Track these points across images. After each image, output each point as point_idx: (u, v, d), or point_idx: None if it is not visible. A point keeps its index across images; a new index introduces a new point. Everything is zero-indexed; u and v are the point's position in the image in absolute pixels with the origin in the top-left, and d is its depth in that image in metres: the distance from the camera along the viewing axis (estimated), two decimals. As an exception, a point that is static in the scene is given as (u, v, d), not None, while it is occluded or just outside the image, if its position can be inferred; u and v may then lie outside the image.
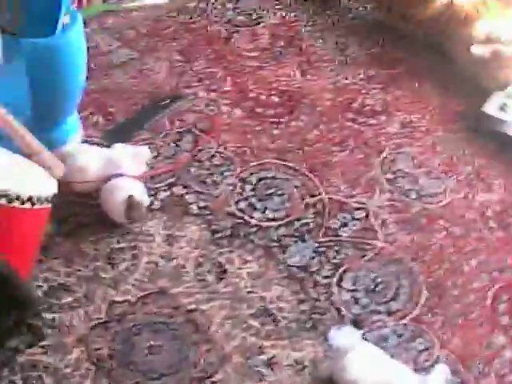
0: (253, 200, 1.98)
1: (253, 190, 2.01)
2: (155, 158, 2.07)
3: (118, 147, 1.94)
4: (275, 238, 1.89)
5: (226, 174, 2.04)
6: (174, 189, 2.00)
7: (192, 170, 2.05)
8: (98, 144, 2.05)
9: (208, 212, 1.94)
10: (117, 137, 2.10)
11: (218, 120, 2.20)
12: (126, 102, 2.24)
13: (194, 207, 1.95)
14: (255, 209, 1.96)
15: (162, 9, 2.58)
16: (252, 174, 2.05)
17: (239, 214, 1.94)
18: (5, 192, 1.45)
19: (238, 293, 1.76)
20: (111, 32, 2.48)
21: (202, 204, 1.96)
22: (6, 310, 1.55)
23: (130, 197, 1.84)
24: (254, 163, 2.08)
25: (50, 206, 1.58)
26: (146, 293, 1.75)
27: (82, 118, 2.13)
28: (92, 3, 2.46)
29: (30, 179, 1.59)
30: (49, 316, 1.67)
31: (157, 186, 2.00)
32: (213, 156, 2.10)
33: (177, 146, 2.12)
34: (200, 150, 2.11)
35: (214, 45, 2.46)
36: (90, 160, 1.90)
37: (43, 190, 1.57)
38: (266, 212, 1.95)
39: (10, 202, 1.46)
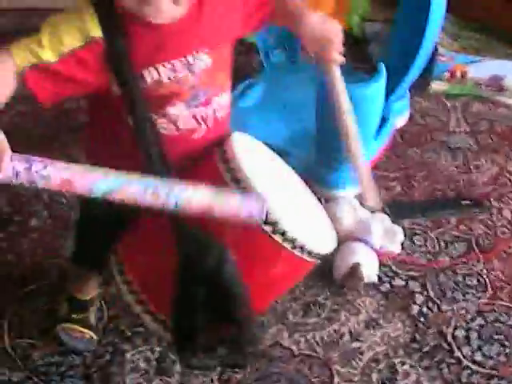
0: (473, 335, 1.85)
1: (481, 326, 1.88)
2: (419, 247, 2.06)
3: (379, 216, 1.97)
4: (463, 380, 1.76)
5: (468, 296, 1.94)
6: (411, 283, 1.96)
7: (442, 276, 1.99)
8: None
9: (423, 320, 1.88)
10: (399, 211, 2.12)
11: (499, 243, 2.09)
12: (432, 186, 2.24)
13: (415, 308, 1.90)
14: (469, 343, 1.83)
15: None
16: (493, 311, 1.92)
17: (450, 339, 1.84)
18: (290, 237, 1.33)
19: None
20: (469, 117, 2.47)
21: (424, 310, 1.90)
22: (227, 319, 1.39)
23: (357, 265, 1.87)
24: (504, 303, 1.94)
25: (317, 261, 1.45)
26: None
27: (382, 177, 2.19)
28: (464, 82, 2.47)
29: (313, 228, 1.49)
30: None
31: (398, 271, 1.99)
32: (470, 274, 2.00)
33: (446, 246, 2.07)
34: (463, 263, 2.03)
35: None
36: (348, 214, 1.96)
37: (319, 244, 1.43)
38: (477, 354, 1.81)
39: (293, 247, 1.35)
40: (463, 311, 1.91)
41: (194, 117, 1.37)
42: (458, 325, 1.88)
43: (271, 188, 1.34)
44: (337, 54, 1.44)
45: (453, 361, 1.80)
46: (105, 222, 1.43)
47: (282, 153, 1.60)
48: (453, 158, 2.35)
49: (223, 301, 1.32)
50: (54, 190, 1.13)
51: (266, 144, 1.52)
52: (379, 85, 1.91)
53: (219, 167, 1.32)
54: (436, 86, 2.49)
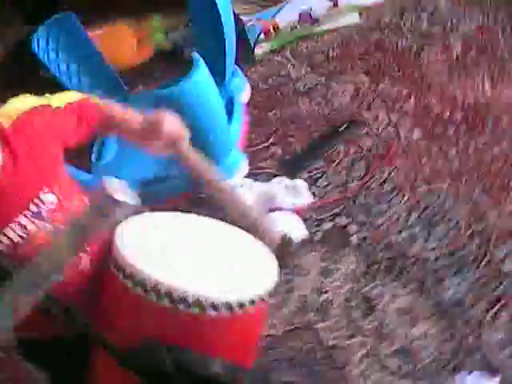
0: (416, 229, 1.90)
1: (418, 217, 1.92)
2: (325, 187, 2.08)
3: (274, 181, 1.98)
4: (431, 270, 1.80)
5: (392, 202, 1.98)
6: (338, 219, 1.98)
7: (360, 198, 2.02)
8: (275, 175, 2.10)
9: (368, 243, 1.90)
10: (292, 168, 2.14)
11: (394, 144, 2.14)
12: (307, 131, 2.27)
13: (354, 238, 1.93)
14: (416, 238, 1.88)
15: (354, 29, 2.55)
16: (419, 201, 1.96)
17: (398, 245, 1.87)
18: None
19: (381, 329, 1.71)
20: (302, 58, 2.52)
21: (363, 235, 1.93)
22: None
23: (284, 235, 1.86)
24: (424, 189, 1.99)
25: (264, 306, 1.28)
26: (291, 327, 1.77)
27: (261, 149, 2.20)
28: (280, 33, 2.52)
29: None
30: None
31: (321, 217, 2.00)
32: (383, 183, 2.04)
33: (348, 173, 2.10)
34: (371, 178, 2.07)
35: (402, 62, 2.39)
36: (248, 195, 1.96)
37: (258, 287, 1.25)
38: (427, 242, 1.86)
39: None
40: (396, 216, 1.94)
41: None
42: (398, 228, 1.91)
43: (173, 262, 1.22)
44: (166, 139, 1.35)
45: (412, 260, 1.83)
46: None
47: (161, 180, 1.59)
48: (310, 99, 2.38)
49: None
50: None
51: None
52: (201, 71, 1.92)
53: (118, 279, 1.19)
54: (259, 50, 2.53)
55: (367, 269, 1.84)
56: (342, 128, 2.22)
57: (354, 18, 2.59)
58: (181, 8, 2.43)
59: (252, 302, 1.21)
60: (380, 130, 2.20)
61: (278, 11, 2.57)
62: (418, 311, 1.72)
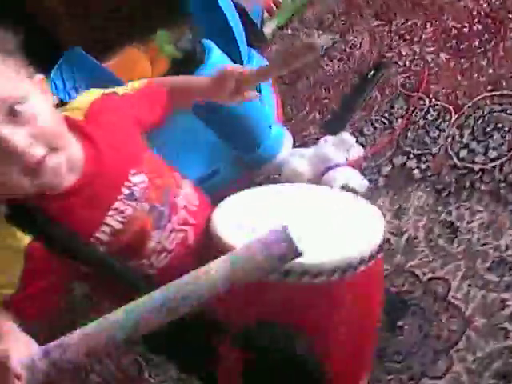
0: (473, 144, 1.89)
1: (471, 133, 1.91)
2: (372, 134, 2.08)
3: (321, 142, 1.99)
4: (501, 178, 1.78)
5: (441, 126, 1.98)
6: (395, 160, 1.99)
7: (409, 134, 2.02)
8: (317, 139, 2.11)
9: (430, 173, 1.90)
10: (334, 126, 2.15)
11: (425, 72, 2.13)
12: (337, 88, 2.28)
13: (416, 172, 1.92)
14: (477, 153, 1.86)
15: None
16: (468, 116, 1.95)
17: (461, 163, 1.87)
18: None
19: (472, 248, 1.70)
20: (311, 24, 2.53)
21: (423, 166, 1.92)
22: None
23: (344, 186, 1.87)
24: (469, 104, 1.97)
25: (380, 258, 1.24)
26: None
27: (300, 119, 2.22)
28: (281, 7, 2.53)
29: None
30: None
31: (378, 162, 2.00)
32: (426, 112, 2.04)
33: (391, 114, 2.10)
34: (413, 111, 2.06)
35: (409, -5, 2.38)
36: (301, 163, 1.97)
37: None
38: (489, 153, 1.85)
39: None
40: (450, 138, 1.94)
41: (174, 229, 1.27)
42: (456, 149, 1.90)
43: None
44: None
45: (479, 174, 1.82)
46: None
47: (208, 177, 1.61)
48: (331, 59, 2.38)
49: None
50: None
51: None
52: (214, 53, 1.91)
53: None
54: (267, 28, 2.55)
55: (439, 196, 1.84)
56: (371, 74, 2.22)
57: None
58: (180, 18, 2.45)
59: (371, 256, 1.18)
60: (407, 63, 2.19)
61: (273, -15, 2.58)
62: (501, 222, 1.71)
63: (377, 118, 2.12)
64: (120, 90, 1.34)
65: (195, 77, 1.41)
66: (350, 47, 2.37)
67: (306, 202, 1.37)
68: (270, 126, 2.05)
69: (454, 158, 1.89)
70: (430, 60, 2.15)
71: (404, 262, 1.76)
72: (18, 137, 1.08)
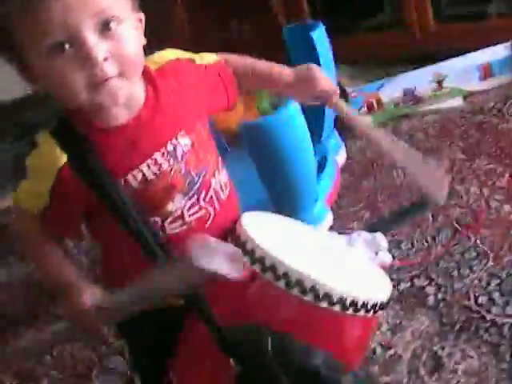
0: (495, 295, 1.83)
1: (498, 284, 1.86)
2: (408, 250, 2.06)
3: (354, 234, 1.97)
4: (508, 336, 1.71)
5: (474, 268, 1.93)
6: (416, 280, 1.95)
7: (441, 263, 1.98)
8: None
9: (444, 305, 1.85)
10: (377, 228, 2.13)
11: (483, 215, 2.10)
12: (396, 199, 2.27)
13: (431, 299, 1.88)
14: (495, 304, 1.80)
15: (456, 111, 2.57)
16: (503, 268, 1.90)
17: (476, 307, 1.81)
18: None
19: (447, 389, 1.63)
20: (402, 134, 2.54)
21: (440, 296, 1.88)
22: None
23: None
24: (509, 259, 1.92)
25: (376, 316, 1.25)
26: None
27: (350, 212, 2.21)
28: (383, 108, 2.56)
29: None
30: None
31: (401, 276, 1.97)
32: (467, 250, 2.00)
33: (433, 238, 2.07)
34: (455, 244, 2.03)
35: (501, 142, 2.37)
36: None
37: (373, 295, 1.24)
38: (507, 309, 1.78)
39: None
40: (476, 281, 1.89)
41: (198, 204, 1.27)
42: (477, 293, 1.85)
43: (299, 256, 1.23)
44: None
45: (488, 324, 1.75)
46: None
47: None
48: (405, 172, 2.38)
49: None
50: None
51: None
52: (291, 107, 1.93)
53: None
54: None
55: (441, 327, 1.78)
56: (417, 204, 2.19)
57: (457, 101, 2.61)
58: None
59: (381, 306, 1.23)
60: (471, 201, 2.17)
61: (382, 85, 2.62)
62: (487, 374, 1.64)
63: (419, 237, 2.09)
64: (197, 58, 1.34)
65: (278, 67, 1.41)
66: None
67: (324, 243, 1.47)
68: (316, 200, 2.06)
69: (472, 300, 1.83)
70: (492, 206, 2.12)
71: (378, 375, 1.71)
72: (101, 48, 1.11)
